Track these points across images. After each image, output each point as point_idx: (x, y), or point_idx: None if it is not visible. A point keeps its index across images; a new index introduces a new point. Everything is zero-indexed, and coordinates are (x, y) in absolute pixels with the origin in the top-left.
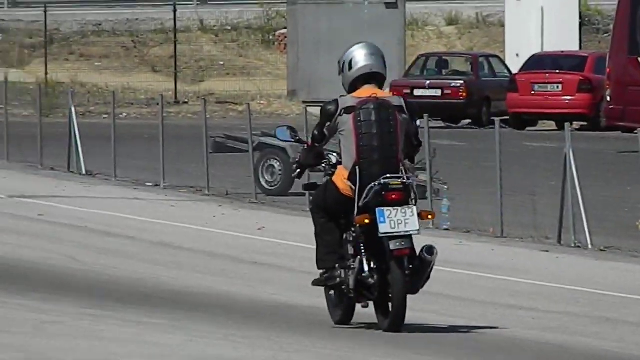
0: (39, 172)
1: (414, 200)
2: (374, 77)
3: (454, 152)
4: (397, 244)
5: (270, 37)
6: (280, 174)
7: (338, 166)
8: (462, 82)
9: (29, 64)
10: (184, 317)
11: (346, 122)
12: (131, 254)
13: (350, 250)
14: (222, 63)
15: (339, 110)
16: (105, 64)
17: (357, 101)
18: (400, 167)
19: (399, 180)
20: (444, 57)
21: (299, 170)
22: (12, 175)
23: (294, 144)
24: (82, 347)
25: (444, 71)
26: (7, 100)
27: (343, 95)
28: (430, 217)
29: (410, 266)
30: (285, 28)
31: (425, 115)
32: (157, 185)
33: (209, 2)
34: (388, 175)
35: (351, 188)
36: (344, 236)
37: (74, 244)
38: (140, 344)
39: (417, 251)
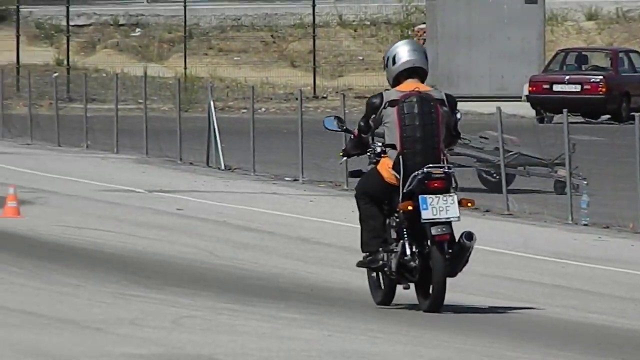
0: (178, 167)
1: (454, 189)
2: (416, 72)
3: (594, 147)
4: (439, 229)
5: (409, 32)
6: None
7: (382, 155)
8: (601, 77)
9: (168, 59)
10: (322, 311)
11: (390, 115)
12: (269, 249)
13: (393, 235)
14: (361, 58)
15: (383, 103)
16: (244, 59)
17: (400, 95)
18: (442, 157)
19: (441, 170)
20: (583, 53)
21: (345, 158)
22: (151, 170)
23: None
24: (220, 341)
25: (583, 66)
26: (146, 94)
27: (387, 89)
28: (469, 204)
29: (450, 251)
30: (424, 23)
31: (565, 110)
32: (295, 180)
33: None
34: (430, 165)
35: (395, 177)
36: (387, 221)
37: (213, 239)
38: (278, 338)
39: (457, 237)
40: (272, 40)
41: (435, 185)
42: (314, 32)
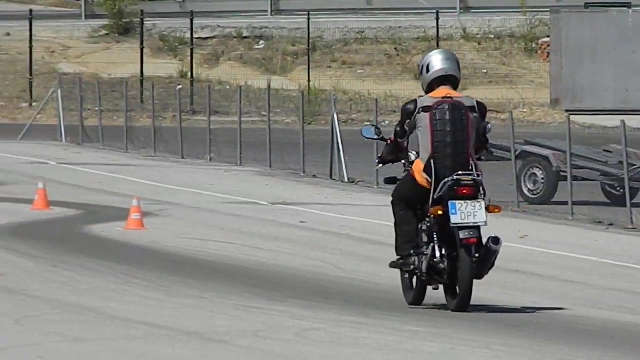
0: (301, 180)
1: (482, 195)
2: (449, 79)
3: None
4: (467, 233)
5: (533, 45)
6: (542, 183)
7: (415, 160)
8: None
9: (291, 71)
10: (445, 324)
11: (423, 120)
12: None
13: (424, 238)
14: (484, 71)
15: (417, 109)
16: (368, 72)
17: (433, 101)
18: (471, 162)
19: (470, 177)
20: None
21: (381, 165)
22: (274, 183)
23: (556, 152)
24: (343, 354)
25: None
26: (269, 107)
27: (421, 96)
28: (497, 210)
29: (477, 255)
30: (548, 36)
31: None
32: None
33: (472, 10)
34: (460, 172)
35: (427, 180)
36: (419, 226)
37: (336, 251)
38: (401, 351)
39: (484, 241)
40: (396, 53)
41: (464, 191)
42: (437, 45)
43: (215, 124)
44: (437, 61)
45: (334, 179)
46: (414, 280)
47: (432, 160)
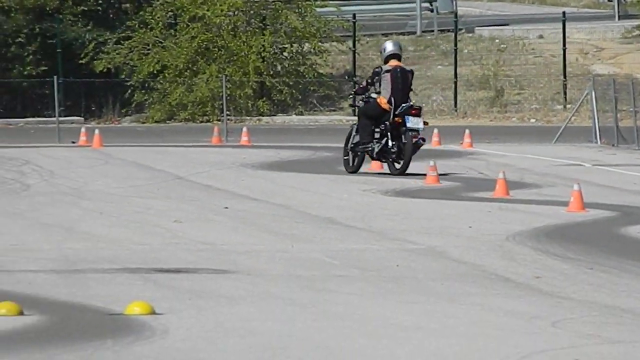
0: None
1: (420, 115)
2: (396, 56)
3: None
4: (413, 132)
5: None
6: None
7: (377, 96)
8: None
9: None
10: None
11: (386, 76)
12: None
13: (376, 136)
14: None
15: (382, 71)
16: None
17: (390, 68)
18: (409, 98)
19: (417, 106)
20: None
21: (353, 97)
22: None
23: None
24: None
25: None
26: None
27: (382, 65)
28: (427, 124)
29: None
30: None
31: None
32: None
33: None
34: (411, 103)
35: (389, 106)
36: (373, 128)
37: None
38: None
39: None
40: None
41: (414, 112)
42: None
43: None
44: (389, 46)
45: None
46: (352, 159)
47: (392, 97)
